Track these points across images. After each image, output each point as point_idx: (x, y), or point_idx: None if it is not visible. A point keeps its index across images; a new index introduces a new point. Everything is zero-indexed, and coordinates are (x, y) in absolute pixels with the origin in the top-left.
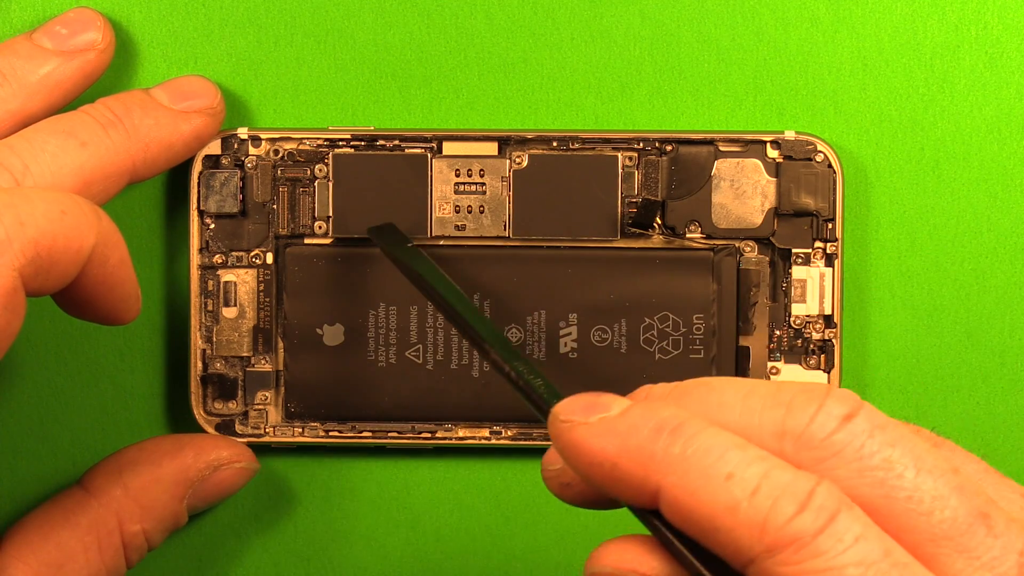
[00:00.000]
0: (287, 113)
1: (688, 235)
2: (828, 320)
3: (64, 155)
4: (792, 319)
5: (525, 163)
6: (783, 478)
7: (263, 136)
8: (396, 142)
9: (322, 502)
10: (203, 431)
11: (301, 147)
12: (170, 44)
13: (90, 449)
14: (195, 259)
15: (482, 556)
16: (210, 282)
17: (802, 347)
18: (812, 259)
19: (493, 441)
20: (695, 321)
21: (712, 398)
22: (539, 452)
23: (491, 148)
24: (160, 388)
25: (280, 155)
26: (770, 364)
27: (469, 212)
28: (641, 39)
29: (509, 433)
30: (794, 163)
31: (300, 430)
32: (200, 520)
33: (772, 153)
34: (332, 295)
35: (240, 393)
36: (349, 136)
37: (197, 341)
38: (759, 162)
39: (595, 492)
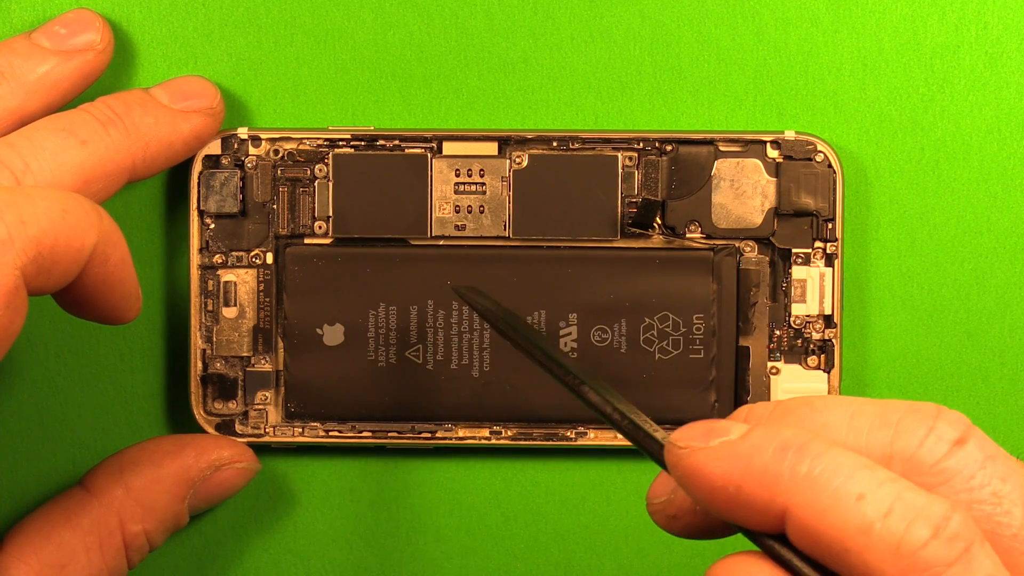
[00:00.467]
0: (287, 113)
1: (688, 235)
2: (828, 320)
3: (64, 153)
4: (792, 319)
5: (525, 163)
6: (917, 500)
7: (263, 136)
8: (396, 142)
9: (322, 502)
10: (203, 431)
11: (301, 147)
12: (170, 44)
13: (90, 449)
14: (195, 259)
15: (482, 556)
16: (210, 282)
17: (802, 347)
18: (812, 259)
19: (493, 441)
20: (695, 321)
21: (816, 418)
22: (539, 452)
23: (491, 148)
24: (160, 388)
25: (280, 155)
26: (770, 364)
27: (469, 212)
28: (641, 39)
29: (509, 433)
30: (794, 163)
31: (300, 430)
32: (200, 520)
33: (772, 153)
34: (332, 295)
35: (240, 393)
36: (349, 136)
37: (197, 341)
38: (759, 162)
39: (704, 522)
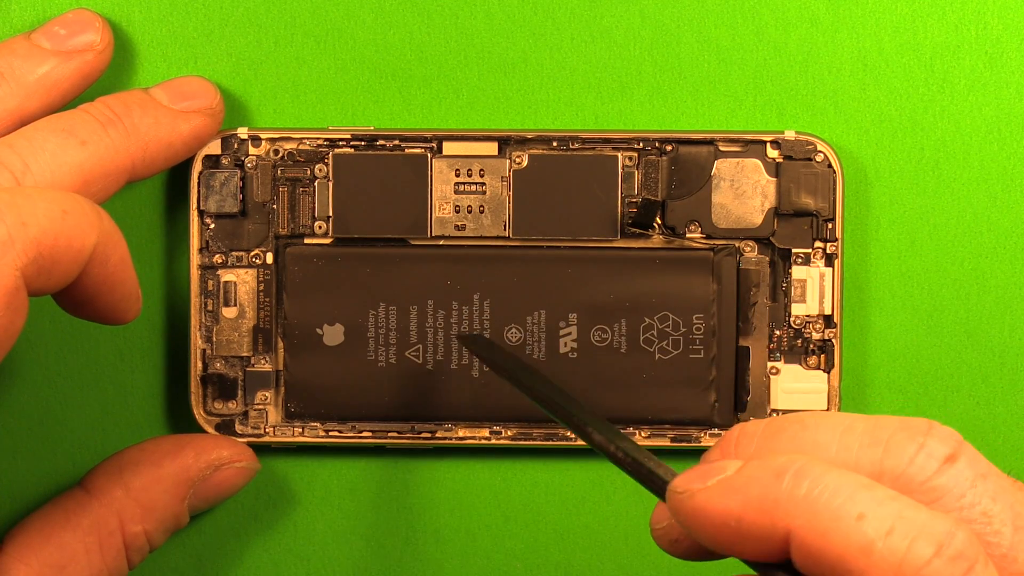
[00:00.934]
0: (287, 113)
1: (688, 235)
2: (828, 320)
3: (64, 153)
4: (792, 319)
5: (525, 163)
6: (919, 518)
7: (263, 136)
8: (396, 142)
9: (322, 502)
10: (203, 431)
11: (301, 147)
12: (170, 44)
13: (90, 449)
14: (195, 259)
15: (482, 556)
16: (210, 282)
17: (802, 347)
18: (812, 259)
19: (493, 441)
20: (695, 321)
21: (807, 436)
22: (539, 452)
23: (491, 148)
24: (160, 388)
25: (280, 155)
26: (770, 364)
27: (469, 212)
28: (641, 39)
29: (509, 433)
30: (794, 163)
31: (300, 430)
32: (200, 520)
33: (772, 153)
34: (332, 295)
35: (240, 393)
36: (349, 136)
37: (197, 341)
38: (759, 162)
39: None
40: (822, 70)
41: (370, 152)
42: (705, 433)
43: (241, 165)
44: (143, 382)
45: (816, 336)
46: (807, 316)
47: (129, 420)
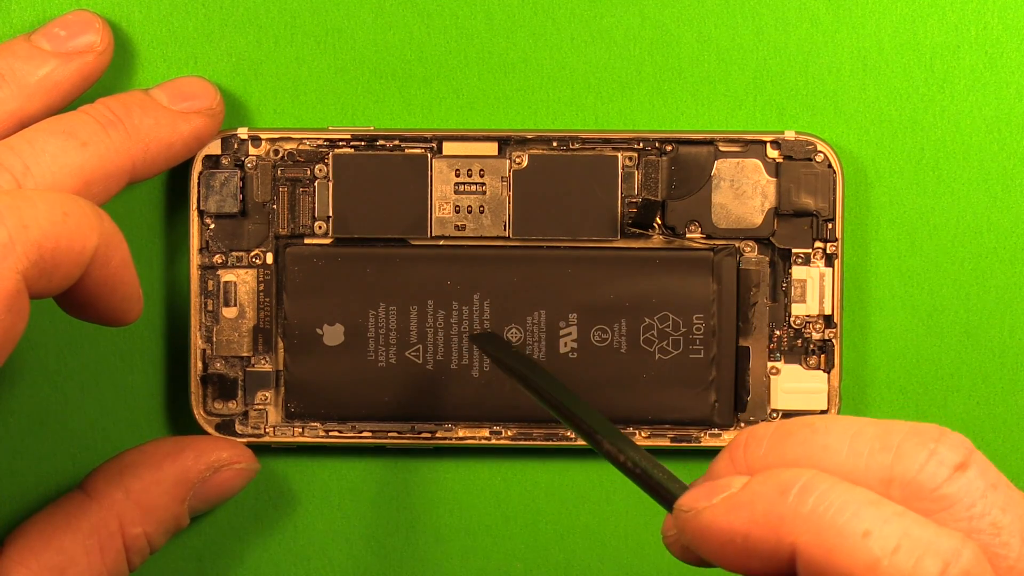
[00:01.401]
0: (287, 113)
1: (688, 235)
2: (828, 320)
3: (65, 155)
4: (792, 319)
5: (525, 163)
6: (925, 535)
7: (263, 136)
8: (396, 142)
9: (322, 502)
10: (203, 431)
11: (301, 147)
12: (170, 44)
13: (90, 449)
14: (195, 259)
15: (482, 556)
16: (210, 282)
17: (802, 347)
18: (812, 259)
19: (493, 441)
20: (695, 321)
21: (816, 440)
22: (539, 452)
23: (491, 148)
24: (160, 388)
25: (280, 155)
26: (770, 364)
27: (469, 212)
28: (641, 39)
29: (509, 433)
30: (794, 163)
31: (300, 430)
32: (200, 521)
33: (772, 153)
34: (332, 295)
35: (240, 393)
36: (349, 136)
37: (197, 341)
38: (759, 162)
39: None
40: (822, 70)
41: (370, 152)
42: (705, 433)
43: (241, 165)
44: (143, 382)
45: (816, 336)
46: (807, 316)
47: (129, 420)
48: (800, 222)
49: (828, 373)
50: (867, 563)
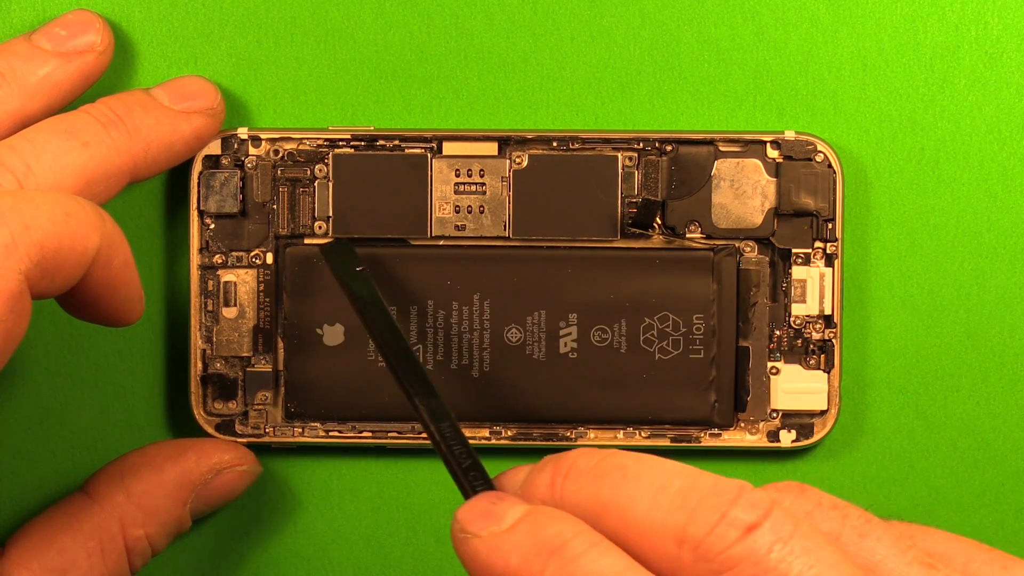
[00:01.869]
0: (287, 113)
1: (688, 235)
2: (828, 320)
3: (66, 155)
4: (792, 319)
5: (525, 163)
6: None
7: (263, 136)
8: (396, 142)
9: (322, 502)
10: (203, 431)
11: (301, 147)
12: (170, 44)
13: (90, 449)
14: (195, 259)
15: None
16: (210, 282)
17: (802, 347)
18: (812, 259)
19: (493, 441)
20: (695, 321)
21: (624, 489)
22: (539, 452)
23: (491, 148)
24: (160, 388)
25: (280, 155)
26: (770, 364)
27: (469, 212)
28: (641, 39)
29: (509, 433)
30: (794, 163)
31: (300, 430)
32: (200, 521)
33: (772, 153)
34: (332, 295)
35: (240, 393)
36: (349, 136)
37: (197, 341)
38: (759, 162)
39: None
40: (822, 70)
41: (370, 152)
42: (705, 433)
43: (241, 165)
44: (143, 382)
45: (816, 336)
46: (807, 316)
47: (129, 420)
48: (800, 222)
49: (828, 373)
50: None
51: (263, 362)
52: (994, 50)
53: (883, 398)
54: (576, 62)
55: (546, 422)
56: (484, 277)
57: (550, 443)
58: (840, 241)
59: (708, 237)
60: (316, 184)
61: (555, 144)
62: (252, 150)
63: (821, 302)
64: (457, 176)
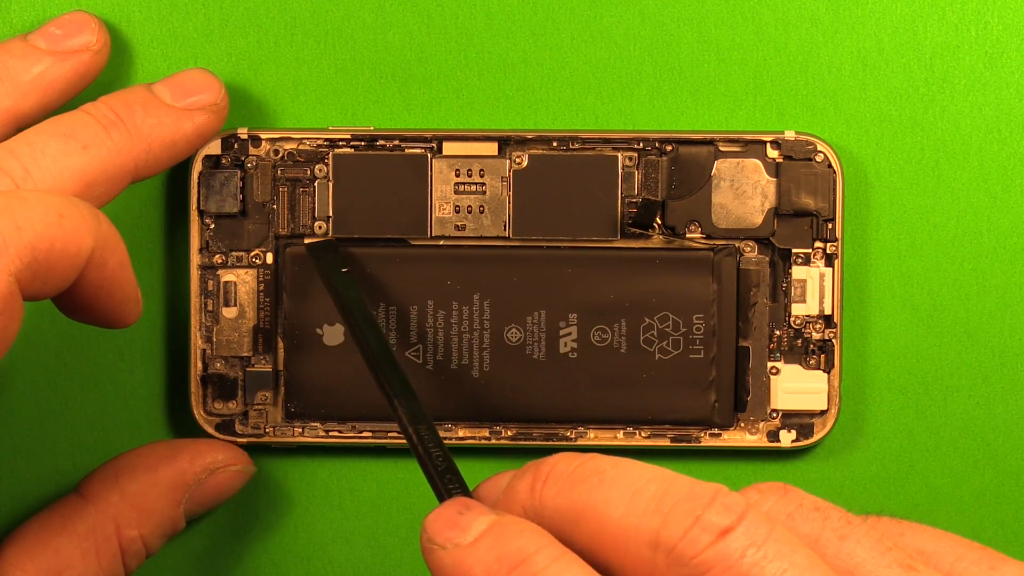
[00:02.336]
0: (287, 113)
1: (688, 235)
2: (828, 320)
3: (65, 158)
4: (792, 319)
5: (525, 163)
6: None
7: (263, 136)
8: (396, 142)
9: (322, 502)
10: (203, 431)
11: (301, 147)
12: (170, 44)
13: (90, 449)
14: (195, 259)
15: None
16: (210, 282)
17: (802, 347)
18: (812, 259)
19: (493, 441)
20: (695, 321)
21: (599, 494)
22: (539, 452)
23: (491, 148)
24: (160, 388)
25: (280, 155)
26: (770, 364)
27: (469, 212)
28: (641, 39)
29: (509, 433)
30: (794, 163)
31: (300, 430)
32: (200, 521)
33: (772, 153)
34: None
35: (240, 393)
36: (349, 136)
37: (197, 341)
38: (759, 162)
39: None
40: (822, 70)
41: (370, 152)
42: (705, 433)
43: (241, 165)
44: (143, 382)
45: (816, 336)
46: (807, 316)
47: (129, 420)
48: (800, 222)
49: (828, 373)
50: None
51: (263, 362)
52: (994, 50)
53: (883, 398)
54: (576, 62)
55: (546, 422)
56: (484, 277)
57: (550, 443)
58: (840, 241)
59: (708, 237)
60: (316, 184)
61: (555, 144)
62: (252, 150)
63: (821, 302)
64: (457, 176)
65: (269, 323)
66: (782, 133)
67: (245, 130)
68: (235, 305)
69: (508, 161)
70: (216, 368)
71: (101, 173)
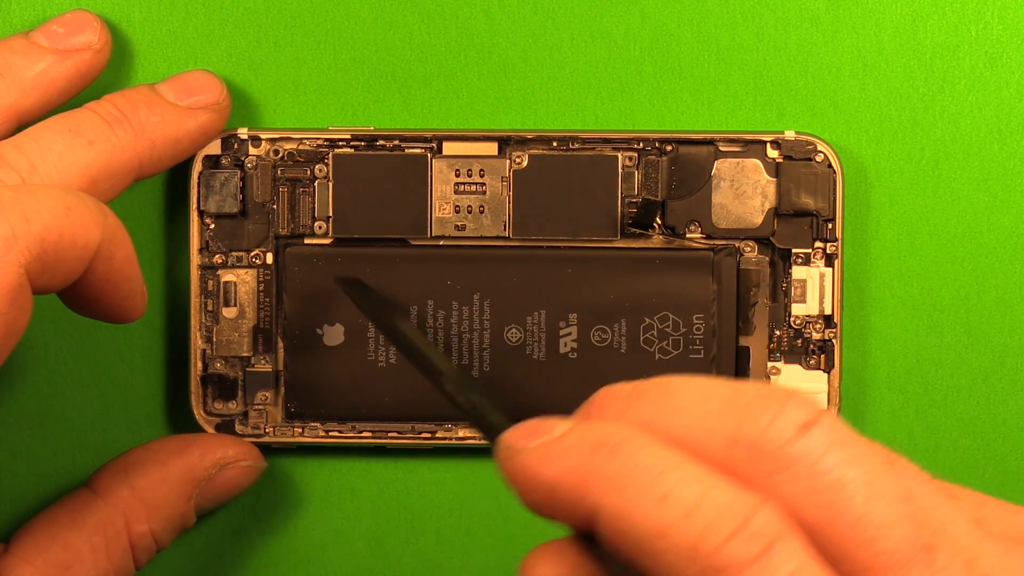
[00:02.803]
0: (287, 113)
1: (688, 235)
2: (828, 320)
3: (71, 154)
4: (792, 319)
5: (525, 163)
6: (721, 498)
7: (263, 136)
8: (396, 142)
9: (322, 502)
10: (203, 431)
11: (301, 147)
12: (170, 44)
13: (90, 449)
14: (195, 259)
15: (482, 556)
16: (210, 282)
17: (802, 347)
18: (812, 259)
19: None
20: (695, 321)
21: (667, 402)
22: None
23: (491, 148)
24: (160, 388)
25: (280, 155)
26: (770, 364)
27: (469, 212)
28: (641, 39)
29: None
30: (794, 163)
31: (300, 430)
32: (200, 521)
33: (772, 153)
34: (332, 295)
35: (240, 393)
36: (349, 136)
37: (197, 341)
38: (759, 162)
39: None
40: (822, 70)
41: (370, 152)
42: None
43: (241, 165)
44: (143, 382)
45: (816, 336)
46: (807, 316)
47: (129, 420)
48: (800, 222)
49: (828, 373)
50: (658, 529)
51: (263, 362)
52: (994, 50)
53: (883, 398)
54: (576, 62)
55: None
56: (484, 277)
57: None
58: (840, 241)
59: (708, 237)
60: (316, 184)
61: (555, 144)
62: (252, 150)
63: (821, 302)
64: (457, 176)
65: (269, 323)
66: (782, 133)
67: (245, 130)
68: (235, 305)
69: (508, 161)
70: (216, 368)
71: (106, 169)
